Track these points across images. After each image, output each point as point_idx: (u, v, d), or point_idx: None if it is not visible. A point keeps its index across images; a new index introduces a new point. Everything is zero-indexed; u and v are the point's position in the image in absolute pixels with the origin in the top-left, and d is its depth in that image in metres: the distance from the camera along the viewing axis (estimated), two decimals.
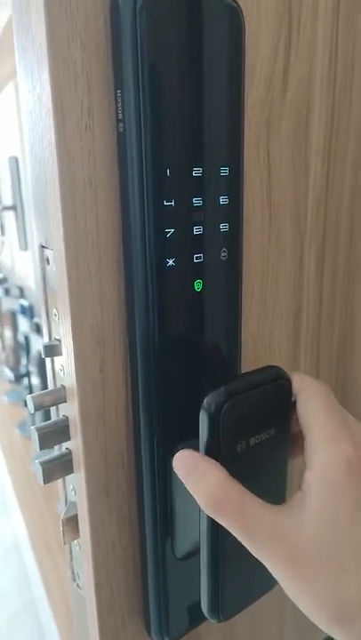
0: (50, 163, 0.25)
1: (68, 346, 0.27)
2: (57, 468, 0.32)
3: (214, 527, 0.26)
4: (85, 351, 0.27)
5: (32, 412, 0.30)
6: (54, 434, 0.31)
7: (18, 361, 1.71)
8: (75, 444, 0.30)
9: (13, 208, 1.62)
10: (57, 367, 0.31)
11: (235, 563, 0.28)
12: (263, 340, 0.35)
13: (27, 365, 1.58)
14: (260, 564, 0.29)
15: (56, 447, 0.33)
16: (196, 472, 0.25)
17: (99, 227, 0.26)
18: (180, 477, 0.26)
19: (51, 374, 0.32)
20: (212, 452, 0.25)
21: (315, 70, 0.33)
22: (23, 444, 1.66)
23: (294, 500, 0.25)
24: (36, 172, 0.28)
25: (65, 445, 0.32)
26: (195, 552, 0.32)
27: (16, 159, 1.54)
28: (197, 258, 0.28)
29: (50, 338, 0.31)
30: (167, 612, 0.33)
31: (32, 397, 0.30)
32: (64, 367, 0.30)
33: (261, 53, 0.30)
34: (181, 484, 0.30)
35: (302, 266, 0.36)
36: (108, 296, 0.27)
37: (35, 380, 1.44)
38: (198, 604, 0.30)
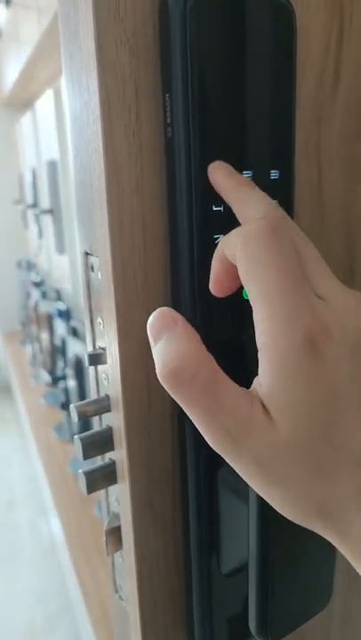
0: (96, 169, 0.24)
1: (113, 355, 0.27)
2: (100, 479, 0.31)
3: (265, 543, 0.25)
4: (131, 360, 0.27)
5: (75, 420, 0.30)
6: (98, 444, 0.30)
7: (54, 364, 1.74)
8: (119, 455, 0.29)
9: (51, 212, 1.65)
10: (101, 376, 0.31)
11: (285, 581, 0.27)
12: None
13: (63, 368, 1.60)
14: (313, 582, 0.28)
15: (99, 457, 0.33)
16: (170, 333, 0.21)
17: (145, 234, 0.26)
18: (148, 334, 0.21)
19: (94, 383, 0.32)
20: None
21: None
22: (60, 446, 1.68)
23: (258, 388, 0.20)
24: (82, 178, 0.27)
25: (108, 456, 0.32)
26: (241, 568, 0.31)
27: (54, 163, 1.56)
28: None
29: (94, 346, 0.31)
30: (212, 629, 0.32)
31: (75, 407, 0.30)
32: (109, 376, 0.30)
33: (312, 50, 0.29)
34: (228, 497, 0.29)
35: (353, 273, 0.35)
36: (154, 304, 0.27)
37: (71, 383, 1.46)
38: (243, 621, 0.29)
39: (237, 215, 0.23)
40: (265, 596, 0.27)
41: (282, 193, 0.27)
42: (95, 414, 0.30)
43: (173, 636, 0.33)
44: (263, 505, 0.25)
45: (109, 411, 0.30)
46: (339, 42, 0.29)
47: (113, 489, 0.33)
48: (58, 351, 1.67)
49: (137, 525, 0.29)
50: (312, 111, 0.30)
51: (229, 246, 0.21)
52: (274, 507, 0.20)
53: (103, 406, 0.30)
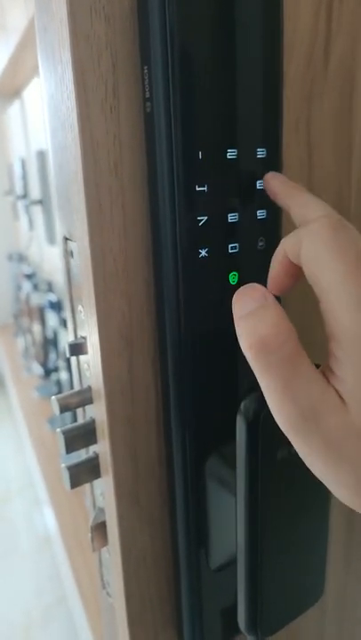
0: (72, 148, 0.23)
1: (94, 344, 0.26)
2: (84, 472, 0.30)
3: (253, 536, 0.24)
4: (112, 350, 0.26)
5: (57, 413, 0.29)
6: (82, 437, 0.29)
7: (47, 356, 1.72)
8: (102, 448, 0.28)
9: (41, 202, 1.62)
10: (83, 366, 0.29)
11: (275, 576, 0.26)
12: (303, 338, 0.33)
13: (55, 360, 1.59)
14: (303, 577, 0.27)
15: (84, 450, 0.31)
16: (261, 305, 0.21)
17: (125, 217, 0.24)
18: (235, 305, 0.21)
19: (77, 374, 0.30)
20: (252, 460, 0.23)
21: (359, 41, 0.30)
22: (54, 438, 1.66)
23: (329, 374, 0.20)
24: (59, 160, 0.26)
25: (92, 449, 0.31)
26: (230, 563, 0.30)
27: (44, 153, 1.54)
28: (232, 248, 0.25)
29: (75, 335, 0.30)
30: (201, 624, 0.31)
31: (57, 399, 0.28)
32: (90, 367, 0.28)
33: (301, 23, 0.27)
34: (216, 492, 0.28)
35: None
36: (135, 291, 0.25)
37: (63, 376, 1.44)
38: (233, 617, 0.28)
39: (297, 218, 0.23)
40: (254, 593, 0.26)
41: (269, 172, 0.26)
42: (78, 406, 0.29)
43: (162, 631, 0.32)
44: (252, 499, 0.24)
45: (92, 402, 0.29)
46: (328, 17, 0.28)
47: (98, 483, 0.32)
48: (50, 343, 1.65)
49: (122, 521, 0.28)
50: (302, 88, 0.28)
51: (290, 246, 0.22)
52: (332, 489, 0.20)
53: (86, 398, 0.29)
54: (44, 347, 1.72)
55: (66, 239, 0.28)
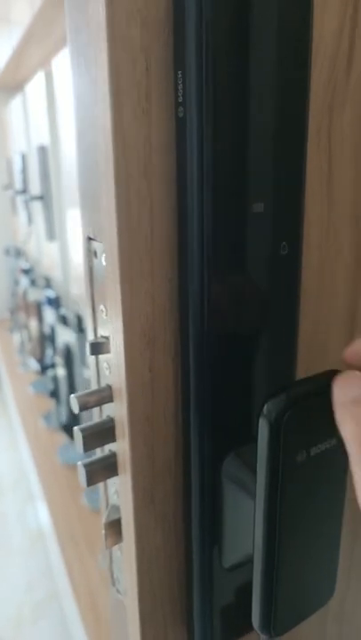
0: (104, 150, 0.23)
1: (117, 344, 0.26)
2: (100, 471, 0.30)
3: (270, 536, 0.25)
4: (135, 350, 0.26)
5: (76, 412, 0.29)
6: (99, 435, 0.30)
7: (43, 352, 1.72)
8: (121, 447, 0.28)
9: (41, 198, 1.62)
10: (102, 365, 0.30)
11: (290, 576, 0.26)
12: (318, 340, 0.33)
13: (52, 357, 1.59)
14: (316, 577, 0.28)
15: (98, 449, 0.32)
16: None
17: (153, 218, 0.25)
18: (334, 397, 0.22)
19: (95, 373, 0.31)
20: (273, 462, 0.24)
21: None
22: (48, 435, 1.66)
23: None
24: (86, 160, 0.26)
25: (108, 447, 0.31)
26: (244, 563, 0.31)
27: (45, 149, 1.53)
28: (257, 252, 0.26)
29: (95, 335, 0.30)
30: (212, 623, 0.31)
31: (76, 397, 0.29)
32: (110, 366, 0.29)
33: (326, 30, 0.28)
34: (231, 492, 0.29)
35: (358, 262, 0.34)
36: (159, 292, 0.26)
37: (60, 372, 1.44)
38: (245, 615, 0.29)
39: None
40: (269, 592, 0.26)
41: (293, 178, 0.26)
42: (96, 405, 0.30)
43: (172, 630, 0.32)
44: (270, 500, 0.24)
45: (111, 401, 0.29)
46: (353, 22, 0.28)
47: (112, 481, 0.32)
48: (47, 339, 1.65)
49: (138, 518, 0.29)
50: (324, 97, 0.29)
51: None
52: None
53: (104, 397, 0.29)
54: (41, 343, 1.72)
55: (89, 239, 0.28)
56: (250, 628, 0.33)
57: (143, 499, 0.29)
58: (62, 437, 1.55)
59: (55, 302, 1.61)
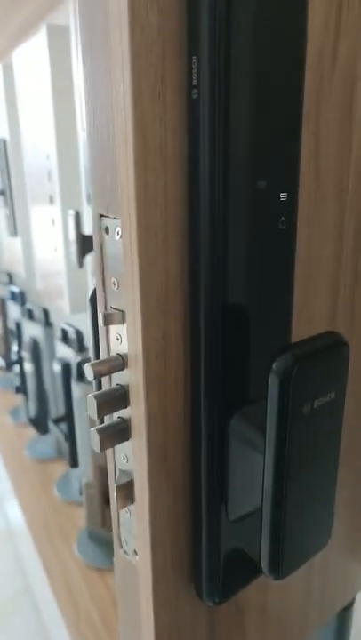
0: (124, 129, 0.25)
1: (135, 314, 0.28)
2: (111, 437, 0.32)
3: (279, 484, 0.27)
4: (151, 319, 0.28)
5: (91, 379, 0.31)
6: (110, 402, 0.31)
7: (8, 348, 1.70)
8: (136, 412, 0.30)
9: (2, 193, 1.59)
10: (113, 336, 0.31)
11: (295, 521, 0.29)
12: (306, 309, 0.36)
13: (18, 352, 1.57)
14: (317, 522, 0.31)
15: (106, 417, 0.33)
16: None
17: (167, 194, 0.27)
18: None
19: (105, 344, 0.32)
20: (283, 414, 0.26)
21: (359, 42, 0.33)
22: (15, 431, 1.65)
23: None
24: (98, 140, 0.28)
25: (117, 414, 0.33)
26: (248, 514, 0.33)
27: (4, 142, 1.51)
28: (260, 226, 0.28)
29: (105, 307, 0.31)
30: (219, 574, 0.34)
31: (91, 365, 0.30)
32: (122, 336, 0.30)
33: (317, 17, 0.30)
34: (237, 448, 0.31)
35: (342, 239, 0.37)
36: (172, 264, 0.28)
37: (28, 367, 1.43)
38: (248, 564, 0.31)
39: None
40: (277, 536, 0.29)
41: (292, 158, 0.29)
42: (108, 373, 0.31)
43: (181, 584, 0.35)
44: (279, 449, 0.27)
45: (122, 369, 0.31)
46: (338, 12, 0.31)
47: (120, 447, 0.34)
48: (11, 335, 1.63)
49: (152, 477, 0.31)
50: (313, 84, 0.31)
51: None
52: None
53: (115, 365, 0.31)
54: (6, 339, 1.70)
55: (101, 216, 0.30)
56: (250, 579, 0.36)
57: (157, 459, 0.31)
58: (31, 432, 1.54)
59: (20, 297, 1.60)
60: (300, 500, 0.29)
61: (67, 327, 1.25)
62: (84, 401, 1.11)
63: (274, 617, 0.44)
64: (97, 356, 0.39)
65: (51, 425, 1.30)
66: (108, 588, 1.11)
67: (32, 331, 1.41)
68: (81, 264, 1.00)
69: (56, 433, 1.28)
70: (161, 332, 0.29)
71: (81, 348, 1.21)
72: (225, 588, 0.34)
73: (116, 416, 0.33)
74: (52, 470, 1.46)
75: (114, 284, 0.30)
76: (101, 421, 0.37)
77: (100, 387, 0.33)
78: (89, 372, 0.30)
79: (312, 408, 0.27)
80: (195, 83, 0.25)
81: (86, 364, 0.30)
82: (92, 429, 0.32)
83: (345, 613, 0.63)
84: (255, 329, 0.30)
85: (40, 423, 1.45)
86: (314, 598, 0.49)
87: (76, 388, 1.10)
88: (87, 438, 1.11)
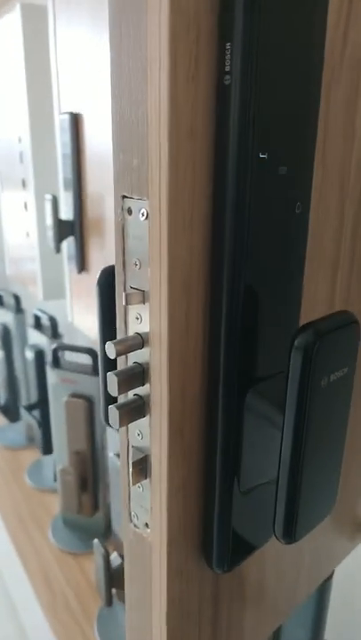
0: (156, 111, 0.26)
1: (161, 293, 0.29)
2: (128, 414, 0.33)
3: (297, 452, 0.29)
4: (176, 298, 0.29)
5: (113, 357, 0.31)
6: (129, 380, 0.32)
7: None
8: (156, 389, 0.31)
9: None
10: (132, 316, 0.32)
11: (308, 487, 0.31)
12: (310, 291, 0.38)
13: None
14: (325, 489, 0.32)
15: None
16: None
17: (195, 176, 0.27)
18: None
19: (122, 323, 0.33)
20: (304, 387, 0.28)
21: None
22: None
23: None
24: (124, 124, 0.28)
25: (133, 392, 0.34)
26: (257, 485, 0.35)
27: None
28: (279, 209, 0.29)
29: (125, 287, 0.32)
30: (230, 543, 0.35)
31: (113, 344, 0.31)
32: (141, 316, 0.31)
33: (331, 4, 0.31)
34: (252, 423, 0.33)
35: (342, 225, 0.39)
36: (197, 244, 0.29)
37: None
38: (255, 533, 0.33)
39: None
40: (293, 501, 0.30)
41: (310, 147, 0.30)
42: (126, 352, 0.32)
43: (192, 554, 0.36)
44: (299, 420, 0.28)
45: (140, 348, 0.32)
46: (349, 3, 0.33)
47: (134, 424, 0.35)
48: None
49: (170, 452, 0.32)
50: (325, 74, 0.33)
51: None
52: None
53: (133, 344, 0.32)
54: None
55: (124, 197, 0.30)
56: (255, 547, 0.38)
57: (175, 434, 0.32)
58: (0, 420, 1.52)
59: None
60: (314, 469, 0.31)
61: (40, 313, 1.24)
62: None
63: (269, 588, 0.47)
64: (105, 337, 0.40)
65: (22, 412, 1.29)
66: (84, 572, 1.12)
67: (2, 317, 1.39)
68: (58, 249, 0.99)
69: (28, 420, 1.27)
70: (184, 311, 0.30)
71: (55, 334, 1.21)
72: (233, 556, 0.36)
73: (131, 394, 0.34)
74: (23, 458, 1.45)
75: (135, 264, 0.31)
76: (114, 400, 0.38)
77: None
78: (111, 350, 0.31)
79: (329, 382, 0.29)
80: (227, 69, 0.26)
81: (108, 343, 0.31)
82: (111, 406, 0.32)
83: (325, 584, 0.66)
84: (270, 308, 0.32)
85: (10, 411, 1.43)
86: (303, 571, 0.52)
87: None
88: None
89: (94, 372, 1.05)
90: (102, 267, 0.36)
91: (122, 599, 0.95)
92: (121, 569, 0.91)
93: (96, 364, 1.05)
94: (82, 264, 0.97)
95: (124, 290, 0.32)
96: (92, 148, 0.86)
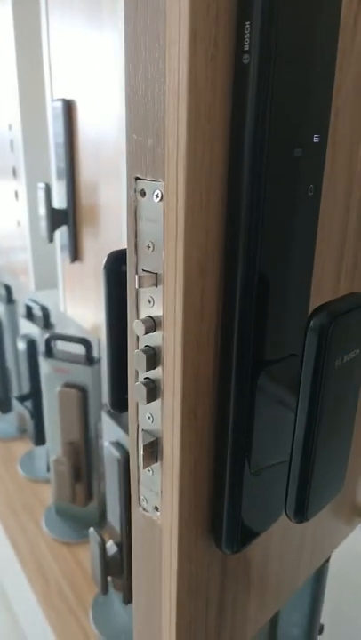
0: (175, 91, 0.26)
1: (177, 274, 0.29)
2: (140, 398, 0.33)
3: (311, 431, 0.29)
4: (191, 279, 0.29)
5: (142, 334, 0.31)
6: (140, 364, 0.32)
7: None
8: (169, 372, 0.31)
9: None
10: (144, 298, 0.32)
11: (321, 469, 0.31)
12: (317, 275, 0.38)
13: None
14: (335, 470, 0.33)
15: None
16: None
17: (212, 157, 0.27)
18: None
19: (134, 306, 0.33)
20: (319, 367, 0.28)
21: None
22: None
23: None
24: (139, 105, 0.28)
25: (144, 375, 0.34)
26: (267, 466, 0.35)
27: None
28: (293, 192, 0.30)
29: (137, 270, 0.32)
30: (240, 524, 0.36)
31: (141, 321, 0.31)
32: (154, 299, 0.31)
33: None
34: (263, 404, 0.33)
35: (349, 210, 0.39)
36: (212, 225, 0.29)
37: None
38: (263, 514, 0.33)
39: None
40: (305, 483, 0.31)
41: (324, 129, 0.30)
42: (148, 332, 0.32)
43: (201, 536, 0.36)
44: (312, 399, 0.29)
45: (153, 331, 0.32)
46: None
47: (145, 407, 0.35)
48: None
49: (183, 435, 0.32)
50: (338, 53, 0.33)
51: None
52: None
53: (147, 327, 0.32)
54: None
55: (137, 179, 0.30)
56: (264, 528, 0.38)
57: (188, 416, 0.32)
58: None
59: None
60: (326, 448, 0.31)
61: (32, 304, 1.23)
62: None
63: (273, 570, 0.47)
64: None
65: (14, 403, 1.28)
66: (78, 561, 1.13)
67: None
68: (51, 239, 0.98)
69: (20, 411, 1.27)
70: (199, 294, 0.30)
71: (47, 324, 1.20)
72: (243, 537, 0.36)
73: (142, 377, 0.34)
74: (15, 449, 1.44)
75: (148, 246, 0.31)
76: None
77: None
78: (139, 328, 0.31)
79: (342, 363, 0.29)
80: (246, 48, 0.25)
81: (136, 321, 0.31)
82: (138, 383, 0.32)
83: (322, 568, 0.68)
84: (282, 290, 0.32)
85: (2, 402, 1.42)
86: (305, 554, 0.53)
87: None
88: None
89: (88, 361, 1.04)
90: (96, 256, 0.36)
91: (117, 587, 0.95)
92: (117, 557, 0.91)
93: (90, 353, 1.05)
94: (75, 253, 0.96)
95: (137, 272, 0.32)
96: (86, 135, 0.85)
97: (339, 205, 0.38)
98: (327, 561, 0.67)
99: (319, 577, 0.67)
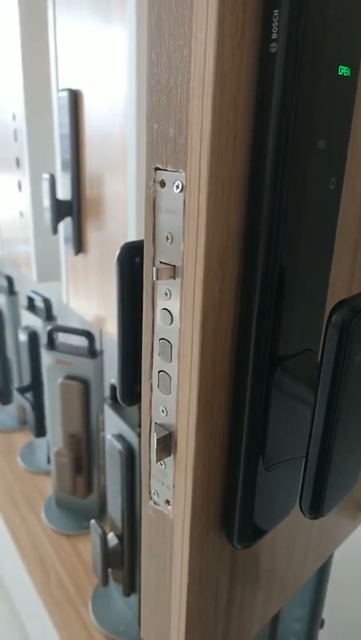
0: (200, 79, 0.25)
1: (197, 267, 0.28)
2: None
3: (329, 426, 0.29)
4: (211, 272, 0.28)
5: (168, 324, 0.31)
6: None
7: None
8: (186, 365, 0.31)
9: None
10: (161, 291, 0.32)
11: (337, 465, 0.31)
12: (333, 270, 0.38)
13: None
14: (350, 467, 0.33)
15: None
16: None
17: (236, 146, 0.27)
18: None
19: (149, 299, 0.33)
20: (339, 363, 0.28)
21: None
22: None
23: None
24: (161, 95, 0.28)
25: (159, 368, 0.33)
26: (280, 461, 0.35)
27: None
28: (315, 184, 0.29)
29: (154, 262, 0.32)
30: (252, 519, 0.35)
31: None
32: (171, 291, 0.31)
33: None
34: (278, 399, 0.33)
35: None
36: (233, 216, 0.28)
37: None
38: (275, 509, 0.33)
39: None
40: (322, 479, 0.31)
41: (347, 122, 0.30)
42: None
43: (212, 530, 0.36)
44: (332, 394, 0.29)
45: (170, 324, 0.31)
46: None
47: (159, 401, 0.35)
48: None
49: (199, 428, 0.32)
50: None
51: None
52: None
53: (163, 320, 0.32)
54: None
55: (157, 169, 0.30)
56: (275, 523, 0.38)
57: (204, 409, 0.32)
58: None
59: None
60: (343, 445, 0.31)
61: (34, 295, 1.22)
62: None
63: (280, 565, 0.47)
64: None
65: (15, 394, 1.28)
66: (77, 553, 1.13)
67: None
68: (55, 230, 0.97)
69: (20, 402, 1.26)
70: (218, 287, 0.29)
71: (49, 316, 1.19)
72: (254, 532, 0.36)
73: (157, 370, 0.34)
74: (15, 440, 1.44)
75: (167, 238, 0.30)
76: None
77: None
78: (156, 320, 0.30)
79: None
80: (274, 36, 0.25)
81: (151, 313, 0.30)
82: (152, 376, 0.32)
83: (325, 563, 0.68)
84: (301, 285, 0.32)
85: (2, 393, 1.42)
86: (311, 549, 0.53)
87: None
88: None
89: (90, 354, 1.04)
90: (100, 248, 0.35)
91: (117, 579, 0.95)
92: (118, 549, 0.92)
93: (92, 345, 1.04)
94: (79, 245, 0.95)
95: (154, 265, 0.32)
96: (92, 126, 0.84)
97: (357, 200, 0.37)
98: (330, 556, 0.67)
99: (322, 572, 0.67)
